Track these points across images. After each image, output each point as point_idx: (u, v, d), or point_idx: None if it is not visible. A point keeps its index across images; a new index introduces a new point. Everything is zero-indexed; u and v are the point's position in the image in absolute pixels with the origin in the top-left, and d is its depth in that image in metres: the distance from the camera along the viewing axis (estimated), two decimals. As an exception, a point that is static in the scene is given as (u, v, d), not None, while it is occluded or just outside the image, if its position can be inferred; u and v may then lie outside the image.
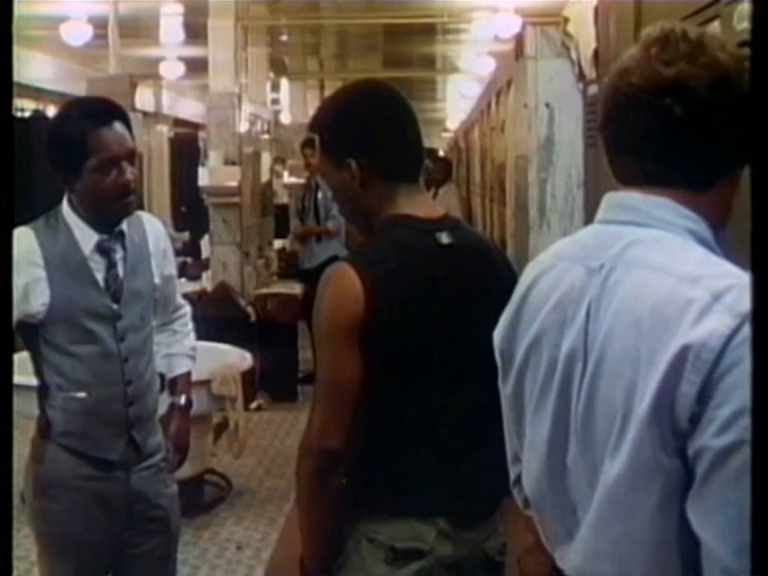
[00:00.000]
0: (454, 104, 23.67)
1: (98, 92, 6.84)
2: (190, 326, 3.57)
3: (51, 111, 14.77)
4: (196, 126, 20.65)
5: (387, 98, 2.52)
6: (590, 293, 1.69)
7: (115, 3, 8.75)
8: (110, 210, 3.06)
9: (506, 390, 1.91)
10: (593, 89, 6.51)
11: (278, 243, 12.34)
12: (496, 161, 11.43)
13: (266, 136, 12.94)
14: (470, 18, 11.48)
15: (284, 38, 14.04)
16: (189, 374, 3.52)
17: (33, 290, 3.01)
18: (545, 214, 7.52)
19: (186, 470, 4.39)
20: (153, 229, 3.27)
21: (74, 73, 14.21)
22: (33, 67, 14.18)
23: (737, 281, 1.54)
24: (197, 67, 12.21)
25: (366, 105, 2.50)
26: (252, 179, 10.48)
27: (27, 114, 13.91)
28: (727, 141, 1.63)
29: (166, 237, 3.37)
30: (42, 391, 3.13)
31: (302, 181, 11.41)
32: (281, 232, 12.22)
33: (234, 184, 9.52)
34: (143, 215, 3.26)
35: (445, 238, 2.40)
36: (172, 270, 3.42)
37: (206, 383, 5.92)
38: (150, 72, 14.42)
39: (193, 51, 12.15)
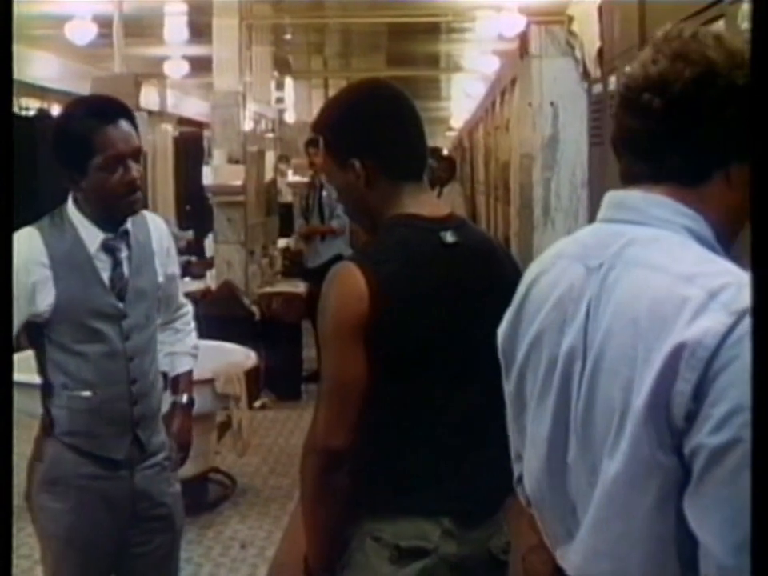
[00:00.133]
0: (458, 103, 23.67)
1: (103, 91, 6.84)
2: (192, 324, 3.57)
3: (56, 110, 14.79)
4: (200, 125, 20.68)
5: (390, 96, 2.52)
6: (589, 292, 1.70)
7: (120, 2, 8.75)
8: (116, 208, 3.06)
9: (508, 388, 1.91)
10: (597, 87, 6.51)
11: (282, 242, 12.34)
12: (500, 160, 11.44)
13: (271, 135, 12.94)
14: (474, 16, 11.48)
15: (288, 36, 14.03)
16: (191, 372, 3.53)
17: (39, 290, 3.01)
18: (549, 213, 7.52)
19: (190, 469, 4.40)
20: (156, 227, 3.27)
21: (78, 72, 14.22)
22: (37, 66, 14.21)
23: (733, 279, 1.54)
24: (201, 66, 12.21)
25: (368, 104, 2.50)
26: (256, 178, 10.48)
27: (32, 113, 13.93)
28: (713, 136, 1.63)
29: (169, 235, 3.37)
30: (46, 390, 3.13)
31: (306, 179, 11.42)
32: (285, 231, 12.22)
33: (239, 183, 9.53)
34: (147, 214, 3.26)
35: (450, 237, 2.40)
36: (175, 268, 3.42)
37: (210, 382, 5.92)
38: (154, 71, 14.44)
39: (197, 50, 12.16)
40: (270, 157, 12.58)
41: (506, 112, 10.74)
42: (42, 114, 14.27)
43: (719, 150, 1.64)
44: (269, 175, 11.88)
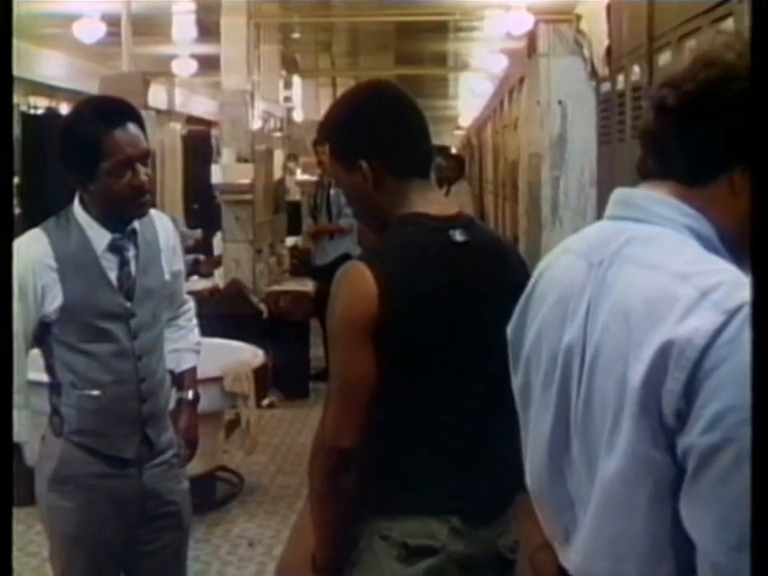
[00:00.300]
0: (466, 101, 23.64)
1: (111, 89, 6.85)
2: (194, 321, 3.57)
3: (64, 109, 14.81)
4: (209, 124, 20.68)
5: (392, 96, 2.53)
6: (589, 288, 1.71)
7: (128, 1, 8.75)
8: (124, 211, 3.06)
9: (515, 381, 1.92)
10: (605, 86, 6.51)
11: (290, 240, 12.35)
12: (508, 158, 11.44)
13: (279, 133, 12.94)
14: (482, 15, 11.46)
15: (296, 35, 14.03)
16: (195, 368, 3.53)
17: (47, 292, 3.02)
18: (557, 212, 7.53)
19: (197, 467, 4.41)
20: (163, 225, 3.27)
21: (86, 70, 14.23)
22: (46, 65, 14.22)
23: (727, 278, 1.54)
24: (209, 65, 12.21)
25: (371, 105, 2.51)
26: (264, 176, 10.48)
27: (40, 112, 13.95)
28: (718, 139, 1.63)
29: (176, 233, 3.37)
30: (55, 389, 3.13)
31: (314, 178, 11.42)
32: (293, 229, 12.23)
33: (247, 181, 9.53)
34: (152, 212, 3.25)
35: (459, 236, 2.40)
36: (180, 265, 3.42)
37: (218, 380, 5.92)
38: (162, 69, 14.44)
39: (205, 49, 12.16)
40: (279, 155, 12.58)
41: (514, 111, 10.74)
42: (51, 112, 14.30)
43: (724, 154, 1.63)
44: (277, 174, 11.88)
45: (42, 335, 3.09)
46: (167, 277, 3.24)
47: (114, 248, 3.09)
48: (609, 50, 6.39)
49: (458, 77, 20.55)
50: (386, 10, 11.55)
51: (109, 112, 3.05)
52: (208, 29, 10.74)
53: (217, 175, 9.72)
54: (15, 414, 3.06)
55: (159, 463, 3.21)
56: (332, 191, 9.56)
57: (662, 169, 1.70)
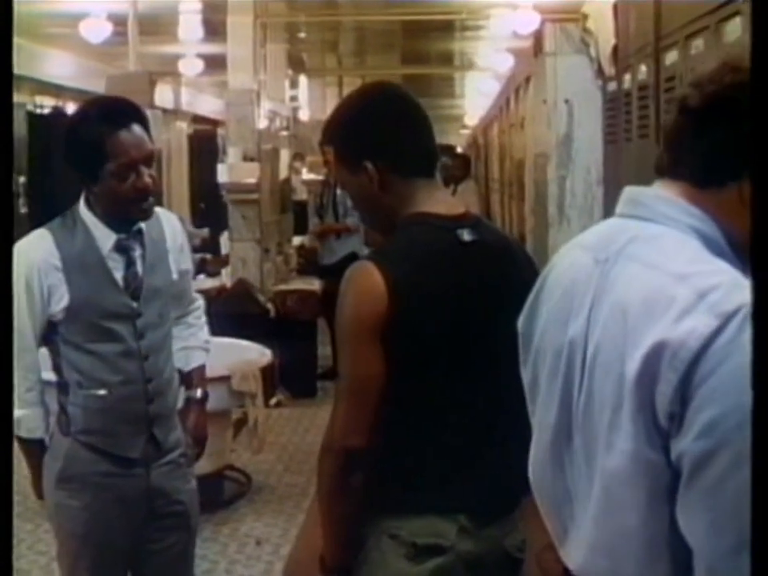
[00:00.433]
0: (472, 101, 23.62)
1: (118, 89, 6.86)
2: (204, 318, 3.57)
3: (71, 108, 14.83)
4: (215, 123, 20.70)
5: (395, 96, 2.55)
6: (594, 284, 1.71)
7: (134, 1, 8.76)
8: (128, 213, 3.06)
9: (525, 374, 1.93)
10: (612, 85, 6.51)
11: (297, 239, 12.36)
12: (515, 157, 11.44)
13: (285, 133, 12.97)
14: (489, 14, 11.44)
15: (302, 35, 14.03)
16: (203, 367, 3.53)
17: (53, 292, 3.02)
18: (564, 211, 7.52)
19: (205, 466, 4.42)
20: (170, 224, 3.27)
21: (93, 70, 14.24)
22: (52, 64, 14.24)
23: (725, 280, 1.54)
24: (216, 64, 12.22)
25: (374, 106, 2.52)
26: (271, 176, 10.49)
27: (46, 111, 13.97)
28: (731, 144, 1.62)
29: (183, 232, 3.37)
30: (62, 388, 3.14)
31: (320, 177, 11.42)
32: (300, 228, 12.23)
33: (253, 181, 9.54)
34: (159, 211, 3.24)
35: (466, 235, 2.41)
36: (188, 264, 3.42)
37: (225, 379, 5.93)
38: (169, 69, 14.45)
39: (212, 48, 12.16)
40: (285, 155, 12.60)
41: (521, 110, 10.74)
42: (57, 111, 14.32)
43: (735, 161, 1.62)
44: (283, 173, 11.90)
45: (49, 335, 3.10)
46: (175, 276, 3.24)
47: (120, 248, 3.09)
48: (615, 49, 6.39)
49: (465, 76, 20.53)
50: (393, 9, 11.55)
51: (114, 113, 3.04)
52: (214, 28, 10.75)
53: (223, 174, 9.73)
54: (30, 411, 3.08)
55: (166, 462, 3.21)
56: (338, 191, 9.56)
57: (676, 168, 1.70)
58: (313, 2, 11.52)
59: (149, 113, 3.21)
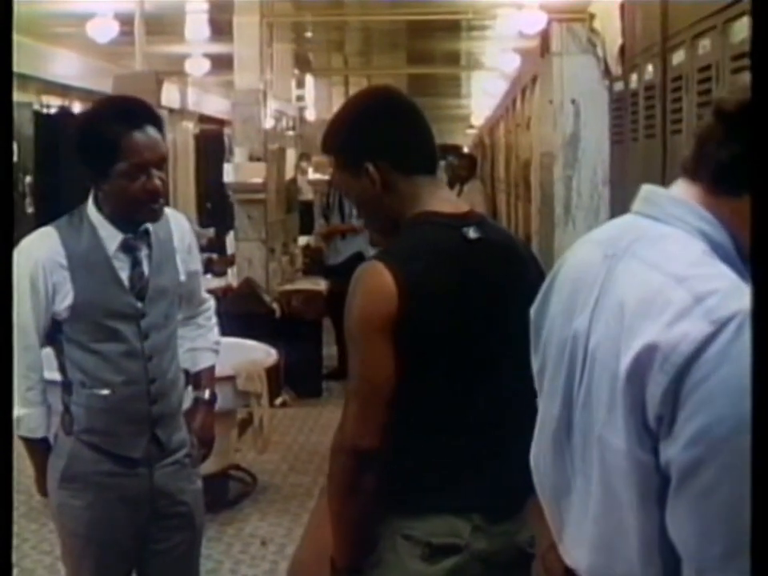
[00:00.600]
0: (478, 100, 23.61)
1: (124, 89, 6.85)
2: (214, 319, 3.57)
3: (77, 108, 14.85)
4: (221, 123, 20.73)
5: (387, 96, 2.59)
6: (600, 279, 1.71)
7: (141, 1, 8.76)
8: (136, 214, 3.06)
9: (535, 364, 1.93)
10: (618, 85, 6.50)
11: (302, 239, 12.35)
12: (521, 157, 11.43)
13: (291, 132, 12.96)
14: (495, 14, 11.43)
15: (309, 34, 14.03)
16: (212, 368, 3.53)
17: (58, 290, 3.02)
18: (570, 211, 7.52)
19: (210, 466, 4.41)
20: (178, 225, 3.27)
21: (99, 70, 14.25)
22: (59, 64, 14.26)
23: (723, 284, 1.53)
24: (222, 64, 12.23)
25: (368, 108, 2.54)
26: (277, 176, 10.48)
27: (53, 111, 13.98)
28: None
29: (191, 232, 3.37)
30: (66, 387, 3.13)
31: (326, 177, 11.41)
32: (305, 228, 12.23)
33: (259, 180, 9.53)
34: (168, 211, 3.23)
35: (472, 233, 2.41)
36: (197, 265, 3.42)
37: (230, 379, 5.93)
38: (175, 69, 14.46)
39: (218, 48, 12.17)
40: (291, 154, 12.60)
41: (527, 110, 10.73)
42: (64, 111, 14.34)
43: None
44: (290, 173, 11.89)
45: (53, 334, 3.10)
46: (182, 277, 3.24)
47: (126, 248, 3.09)
48: (622, 49, 6.38)
49: (471, 76, 20.53)
50: (399, 9, 11.54)
51: (130, 113, 3.03)
52: (221, 28, 10.76)
53: (229, 174, 9.73)
54: (31, 410, 3.08)
55: (170, 463, 3.21)
56: (344, 191, 9.54)
57: (697, 170, 1.69)
58: (319, 2, 11.51)
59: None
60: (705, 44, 4.29)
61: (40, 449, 3.17)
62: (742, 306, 1.46)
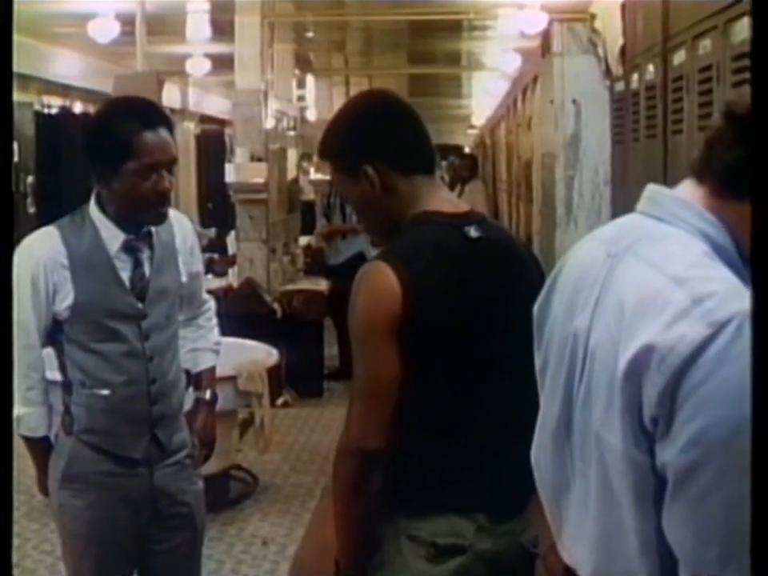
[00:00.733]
0: (479, 101, 23.60)
1: (125, 89, 6.85)
2: (215, 320, 3.57)
3: (78, 108, 14.85)
4: (222, 123, 20.72)
5: (382, 99, 2.61)
6: (602, 278, 1.71)
7: (142, 1, 8.75)
8: (142, 215, 3.05)
9: (537, 360, 1.93)
10: (619, 85, 6.50)
11: (303, 239, 12.36)
12: (522, 158, 11.43)
13: (292, 132, 12.95)
14: (496, 14, 11.42)
15: (310, 34, 14.02)
16: (213, 368, 3.53)
17: (59, 290, 3.02)
18: (571, 211, 7.51)
19: (212, 466, 4.41)
20: (180, 226, 3.27)
21: (101, 70, 14.25)
22: (60, 64, 14.25)
23: (722, 287, 1.53)
24: (223, 64, 12.22)
25: (363, 110, 2.55)
26: (278, 176, 10.48)
27: (54, 111, 13.98)
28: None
29: (194, 233, 3.37)
30: (66, 387, 3.14)
31: (327, 177, 11.39)
32: (307, 228, 12.23)
33: (261, 181, 9.53)
34: (171, 212, 3.22)
35: (473, 232, 2.41)
36: (199, 266, 3.42)
37: (232, 379, 5.93)
38: (176, 69, 14.44)
39: (219, 48, 12.16)
40: (292, 154, 12.59)
41: (528, 110, 10.73)
42: (65, 111, 14.34)
43: None
44: (291, 173, 11.89)
45: (54, 333, 3.10)
46: (184, 278, 3.24)
47: (128, 248, 3.09)
48: (623, 49, 6.38)
49: (472, 76, 20.51)
50: (400, 9, 11.53)
51: (143, 113, 3.04)
52: (222, 28, 10.75)
53: (230, 174, 9.72)
54: (31, 410, 3.08)
55: (171, 464, 3.21)
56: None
57: (704, 172, 1.69)
58: (320, 2, 11.51)
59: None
60: (705, 44, 4.29)
61: (41, 448, 3.17)
62: (741, 308, 1.46)
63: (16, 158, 11.41)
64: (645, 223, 1.73)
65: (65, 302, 3.03)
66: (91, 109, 13.71)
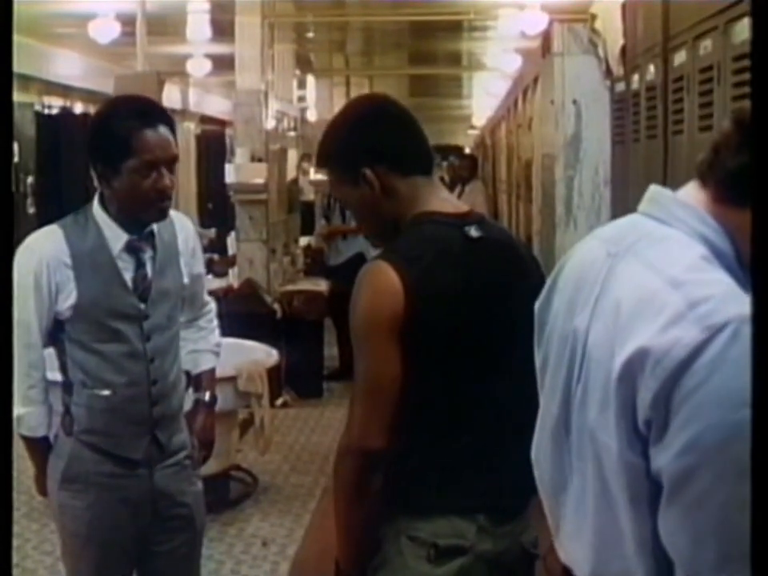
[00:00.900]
0: (480, 101, 23.60)
1: (126, 89, 6.85)
2: (215, 322, 3.58)
3: (79, 108, 14.85)
4: (223, 123, 20.74)
5: (377, 102, 2.64)
6: (602, 277, 1.71)
7: (143, 1, 8.74)
8: (143, 213, 3.06)
9: (537, 358, 1.93)
10: (620, 86, 6.50)
11: (303, 240, 12.36)
12: (522, 158, 11.41)
13: (293, 133, 12.96)
14: (497, 14, 11.44)
15: (310, 35, 14.02)
16: (213, 370, 3.54)
17: (61, 289, 3.02)
18: (571, 212, 7.50)
19: (212, 466, 4.41)
20: (183, 227, 3.27)
21: (101, 70, 14.26)
22: (61, 64, 14.26)
23: (719, 290, 1.53)
24: (223, 64, 12.22)
25: (360, 114, 2.56)
26: (278, 176, 10.48)
27: (54, 111, 13.98)
28: None
29: (195, 235, 3.37)
30: (66, 388, 3.14)
31: (327, 178, 11.39)
32: (307, 229, 12.24)
33: (261, 181, 9.53)
34: (173, 214, 3.23)
35: (474, 232, 2.42)
36: (201, 268, 3.43)
37: (232, 379, 5.94)
38: (177, 69, 14.45)
39: (219, 48, 12.17)
40: (293, 155, 12.59)
41: (529, 110, 10.72)
42: (65, 111, 14.34)
43: None
44: (291, 173, 11.89)
45: (56, 333, 3.10)
46: (186, 280, 3.24)
47: (131, 249, 3.09)
48: (624, 50, 6.37)
49: (472, 76, 20.52)
50: (401, 10, 11.54)
51: (144, 111, 3.05)
52: (222, 28, 10.76)
53: (230, 175, 9.72)
54: (32, 409, 3.08)
55: (171, 464, 3.21)
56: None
57: (708, 176, 1.69)
58: (321, 2, 11.51)
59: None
60: (706, 45, 4.28)
61: (40, 448, 3.17)
62: (737, 312, 1.46)
63: (16, 159, 11.42)
64: (646, 224, 1.73)
65: (67, 301, 3.03)
66: (92, 109, 13.69)
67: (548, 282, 1.94)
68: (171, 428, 3.21)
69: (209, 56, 13.79)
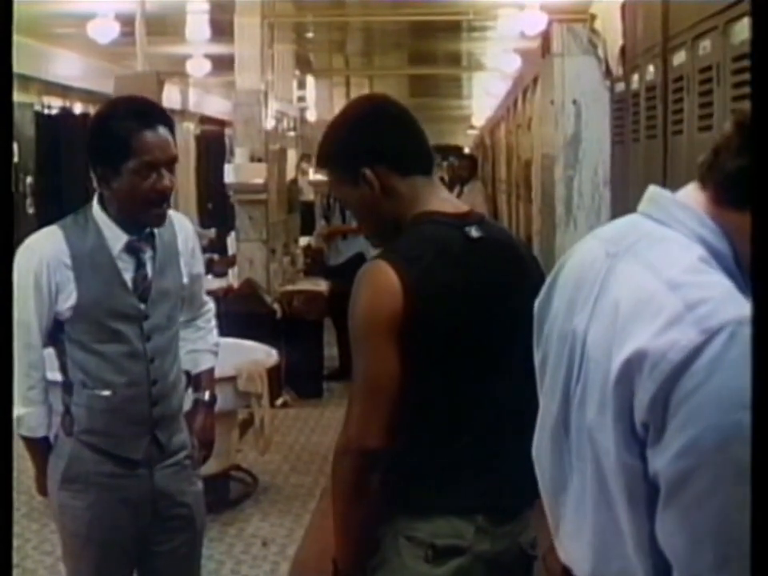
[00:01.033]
0: (479, 101, 23.61)
1: (126, 89, 6.85)
2: (214, 322, 3.58)
3: (78, 108, 14.85)
4: (222, 123, 20.75)
5: (376, 102, 2.64)
6: (601, 277, 1.71)
7: (142, 1, 8.75)
8: (142, 215, 3.05)
9: (536, 357, 1.94)
10: (620, 86, 6.50)
11: (303, 240, 12.36)
12: (522, 158, 11.41)
13: (292, 133, 12.97)
14: (496, 15, 11.45)
15: (310, 35, 14.04)
16: (212, 370, 3.54)
17: (61, 290, 3.02)
18: (571, 212, 7.50)
19: (212, 466, 4.42)
20: (182, 228, 3.27)
21: (101, 70, 14.27)
22: (60, 64, 14.27)
23: (716, 292, 1.53)
24: (223, 64, 12.23)
25: (359, 115, 2.56)
26: (278, 176, 10.48)
27: (54, 112, 13.99)
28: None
29: (195, 235, 3.38)
30: (66, 388, 3.13)
31: (327, 178, 11.39)
32: (306, 229, 12.24)
33: (260, 181, 9.53)
34: (173, 214, 3.24)
35: (474, 232, 2.42)
36: (200, 268, 3.43)
37: (231, 379, 5.94)
38: (176, 69, 14.46)
39: (219, 48, 12.18)
40: (292, 155, 12.60)
41: (528, 110, 10.72)
42: (65, 112, 14.34)
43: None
44: (291, 173, 11.89)
45: (56, 333, 3.10)
46: (185, 280, 3.24)
47: (131, 249, 3.09)
48: (623, 50, 6.37)
49: (472, 76, 20.54)
50: (400, 10, 11.54)
51: (143, 112, 3.05)
52: (222, 28, 10.76)
53: (230, 175, 9.72)
54: (32, 410, 3.08)
55: (171, 464, 3.21)
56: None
57: (708, 177, 1.69)
58: (320, 3, 11.52)
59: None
60: (706, 45, 4.28)
61: (40, 448, 3.17)
62: (735, 315, 1.46)
63: (16, 159, 11.42)
64: (645, 224, 1.73)
65: (67, 301, 3.03)
66: (91, 109, 13.71)
67: (547, 281, 1.94)
68: (171, 428, 3.21)
69: (208, 56, 13.81)
